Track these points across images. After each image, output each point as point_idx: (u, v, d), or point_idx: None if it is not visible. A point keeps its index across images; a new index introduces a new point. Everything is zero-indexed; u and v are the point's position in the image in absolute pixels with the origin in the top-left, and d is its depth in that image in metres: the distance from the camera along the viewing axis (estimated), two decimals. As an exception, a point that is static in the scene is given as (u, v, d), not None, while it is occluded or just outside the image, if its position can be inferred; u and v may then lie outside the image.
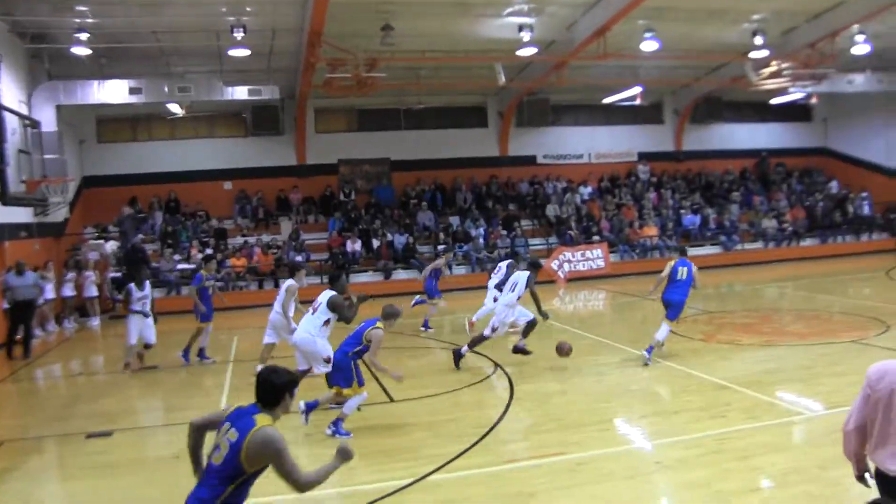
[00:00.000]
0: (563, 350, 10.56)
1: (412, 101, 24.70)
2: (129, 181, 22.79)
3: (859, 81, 25.00)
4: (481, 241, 22.92)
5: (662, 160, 28.67)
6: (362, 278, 21.16)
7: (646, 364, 10.18)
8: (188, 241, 21.32)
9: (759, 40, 20.32)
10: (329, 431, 7.68)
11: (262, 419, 3.62)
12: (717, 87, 26.31)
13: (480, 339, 10.89)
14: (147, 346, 11.83)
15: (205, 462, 3.78)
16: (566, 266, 21.71)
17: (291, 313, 10.29)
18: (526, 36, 18.79)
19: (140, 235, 20.97)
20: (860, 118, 29.24)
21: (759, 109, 29.62)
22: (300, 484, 3.61)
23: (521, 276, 10.93)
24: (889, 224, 27.03)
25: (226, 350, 13.38)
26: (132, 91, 18.32)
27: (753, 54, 21.37)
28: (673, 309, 10.42)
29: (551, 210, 25.03)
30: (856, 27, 20.37)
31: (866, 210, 27.55)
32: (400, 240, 22.31)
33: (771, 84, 23.31)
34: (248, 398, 3.78)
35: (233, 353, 13.27)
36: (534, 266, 11.31)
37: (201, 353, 12.29)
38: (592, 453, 6.79)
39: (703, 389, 9.05)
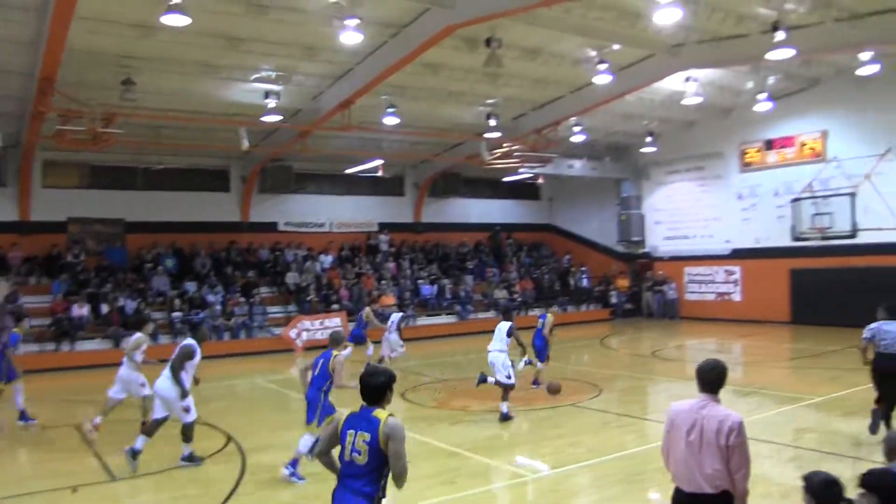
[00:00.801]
0: (552, 389, 12.54)
1: (152, 160, 24.86)
2: None
3: (578, 166, 30.24)
4: (218, 307, 23.74)
5: (402, 231, 31.54)
6: (88, 345, 21.05)
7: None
8: None
9: (492, 122, 23.23)
10: (286, 472, 8.90)
11: (380, 413, 4.64)
12: (454, 163, 29.58)
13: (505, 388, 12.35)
14: None
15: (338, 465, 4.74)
16: (304, 335, 23.38)
17: (139, 360, 11.30)
18: (272, 103, 19.96)
19: None
20: (579, 199, 34.99)
21: (493, 186, 34.01)
22: (404, 470, 4.61)
23: (503, 325, 13.09)
24: (602, 296, 32.89)
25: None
26: None
27: (487, 135, 24.46)
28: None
29: (291, 278, 26.46)
30: (573, 119, 24.83)
31: (585, 283, 33.17)
32: (131, 305, 22.48)
33: (503, 163, 26.83)
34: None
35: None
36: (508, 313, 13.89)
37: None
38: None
39: (434, 456, 9.92)
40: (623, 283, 32.22)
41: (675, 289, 30.64)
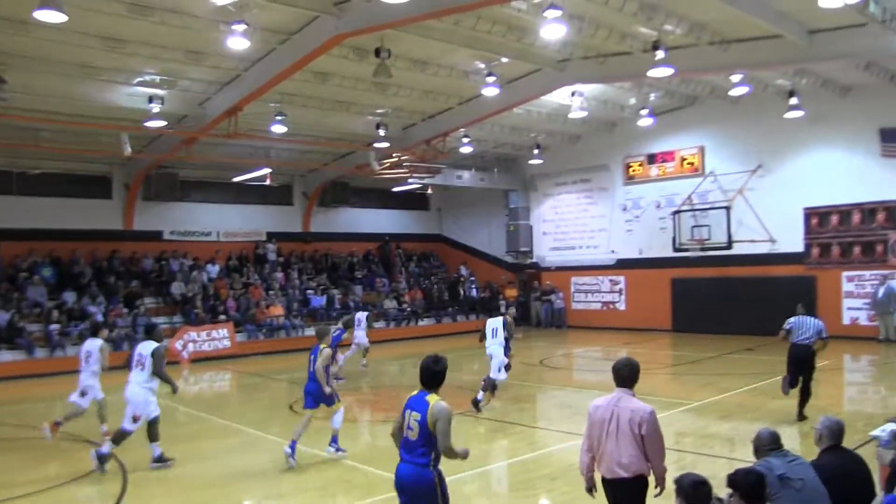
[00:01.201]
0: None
1: (28, 164, 23.95)
2: None
3: (466, 177, 30.59)
4: (99, 318, 22.35)
5: (291, 240, 31.13)
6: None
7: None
8: None
9: (382, 132, 23.29)
10: (331, 449, 10.34)
11: (432, 398, 5.56)
12: (344, 172, 29.44)
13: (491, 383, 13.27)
14: None
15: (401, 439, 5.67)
16: (190, 346, 22.85)
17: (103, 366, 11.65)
18: (156, 108, 19.38)
19: None
20: (469, 210, 35.42)
21: (382, 196, 34.00)
22: (450, 448, 5.54)
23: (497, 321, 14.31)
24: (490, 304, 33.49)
25: None
26: None
27: (377, 145, 24.49)
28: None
29: (176, 288, 25.75)
30: (462, 130, 25.09)
31: (474, 292, 33.89)
32: (3, 317, 21.37)
33: (392, 174, 26.95)
34: None
35: None
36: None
37: None
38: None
39: (324, 468, 9.99)
40: (511, 292, 32.72)
41: (563, 298, 31.31)
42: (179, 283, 26.24)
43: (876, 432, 6.95)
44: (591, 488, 5.85)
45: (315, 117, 23.25)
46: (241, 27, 14.30)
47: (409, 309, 30.35)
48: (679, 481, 4.82)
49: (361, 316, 19.91)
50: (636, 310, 28.80)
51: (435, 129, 25.18)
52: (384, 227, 34.91)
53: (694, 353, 21.54)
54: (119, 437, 9.94)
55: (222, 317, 25.21)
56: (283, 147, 26.75)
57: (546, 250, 32.64)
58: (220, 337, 23.99)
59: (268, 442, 11.64)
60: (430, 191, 33.35)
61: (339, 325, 18.20)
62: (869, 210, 22.75)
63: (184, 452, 10.77)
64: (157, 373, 9.99)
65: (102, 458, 9.70)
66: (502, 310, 20.85)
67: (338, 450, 10.39)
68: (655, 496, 5.55)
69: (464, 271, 34.42)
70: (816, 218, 23.86)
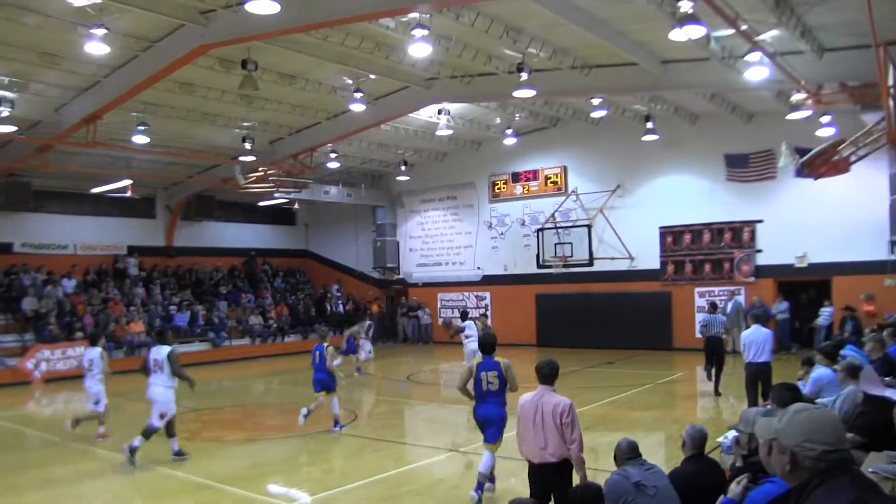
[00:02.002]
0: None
1: None
2: None
3: (334, 192, 30.39)
4: None
5: (153, 255, 30.01)
6: None
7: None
8: None
9: (248, 146, 22.72)
10: (337, 429, 12.82)
11: (499, 359, 8.68)
12: (209, 186, 28.71)
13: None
14: None
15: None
16: (43, 365, 21.63)
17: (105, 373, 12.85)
18: (5, 111, 18.17)
19: None
20: (336, 225, 35.13)
21: (248, 211, 33.31)
22: (516, 383, 8.58)
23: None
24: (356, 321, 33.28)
25: None
26: None
27: (243, 158, 23.93)
28: None
29: (28, 303, 24.27)
30: (329, 146, 24.99)
31: (341, 308, 33.64)
32: None
33: (258, 188, 26.51)
34: None
35: None
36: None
37: None
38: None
39: (186, 490, 9.61)
40: (378, 309, 32.66)
41: (429, 314, 31.48)
42: (32, 298, 24.66)
43: (720, 439, 7.31)
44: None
45: (179, 128, 22.58)
46: (100, 31, 13.58)
47: (275, 325, 29.76)
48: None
49: (365, 324, 22.27)
50: (501, 325, 29.14)
51: (302, 144, 24.93)
52: (250, 241, 34.14)
53: (557, 367, 22.04)
54: (148, 432, 10.96)
55: (79, 334, 23.74)
56: (146, 158, 25.75)
57: (413, 266, 32.78)
58: (76, 355, 22.34)
59: (127, 464, 10.99)
60: (296, 206, 32.99)
61: (358, 330, 21.32)
62: (717, 230, 24.11)
63: (32, 480, 10.16)
64: (175, 372, 11.05)
65: (133, 451, 10.77)
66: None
67: (341, 428, 13.02)
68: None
69: (335, 290, 33.93)
70: (671, 237, 25.06)
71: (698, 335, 23.97)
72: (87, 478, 10.55)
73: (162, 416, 10.96)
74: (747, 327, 13.23)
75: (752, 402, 12.55)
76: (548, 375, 6.78)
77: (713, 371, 16.12)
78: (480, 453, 11.07)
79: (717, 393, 15.96)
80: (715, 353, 16.13)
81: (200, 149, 25.33)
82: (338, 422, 13.02)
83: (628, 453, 5.70)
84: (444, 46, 16.69)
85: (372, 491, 9.32)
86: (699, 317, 24.34)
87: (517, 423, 6.74)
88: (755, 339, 12.51)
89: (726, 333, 16.62)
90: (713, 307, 17.55)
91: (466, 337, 18.46)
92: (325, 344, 13.15)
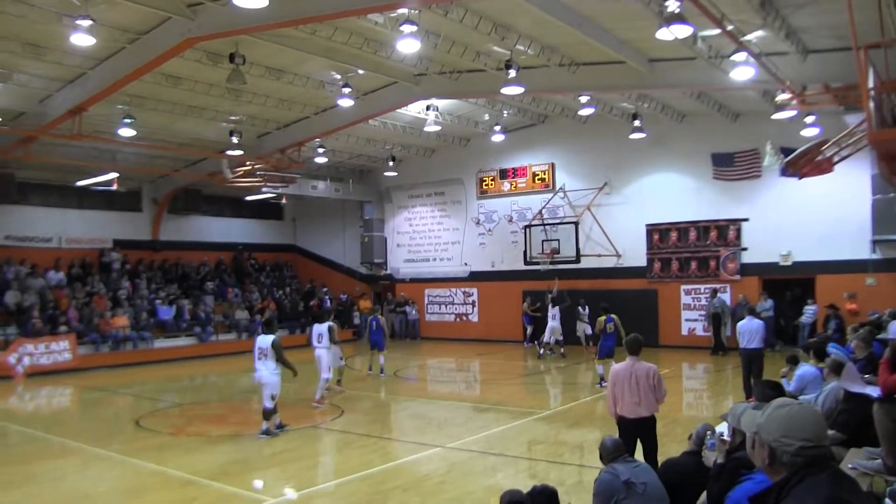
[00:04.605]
0: None
1: None
2: None
3: (321, 187, 30.29)
4: None
5: (139, 248, 29.82)
6: None
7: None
8: None
9: (235, 140, 22.64)
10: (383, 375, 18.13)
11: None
12: (196, 180, 28.52)
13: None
14: None
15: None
16: (26, 360, 21.34)
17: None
18: None
19: None
20: (323, 220, 35.07)
21: (235, 205, 33.18)
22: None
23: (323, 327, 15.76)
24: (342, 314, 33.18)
25: None
26: None
27: (230, 152, 23.90)
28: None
29: (11, 297, 24.01)
30: (317, 140, 24.88)
31: (327, 304, 33.57)
32: None
33: (245, 182, 26.28)
34: None
35: None
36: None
37: None
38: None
39: (170, 486, 9.52)
40: (365, 304, 32.58)
41: (417, 310, 31.50)
42: (15, 291, 24.40)
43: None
44: (619, 424, 8.14)
45: (166, 121, 22.44)
46: (86, 23, 13.47)
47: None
48: (501, 498, 5.14)
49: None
50: (489, 321, 29.39)
51: (290, 139, 24.84)
52: (237, 236, 34.02)
53: (545, 363, 22.16)
54: (267, 413, 12.14)
55: (63, 328, 23.63)
56: (132, 151, 25.55)
57: (400, 262, 32.78)
58: (59, 349, 22.44)
59: (110, 460, 11.03)
60: (284, 200, 32.84)
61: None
62: (703, 228, 24.22)
63: (14, 476, 10.06)
64: (280, 359, 12.02)
65: (266, 433, 12.09)
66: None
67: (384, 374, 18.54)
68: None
69: (323, 291, 33.77)
70: (658, 234, 25.16)
71: (686, 332, 24.37)
72: (70, 473, 10.47)
73: (273, 398, 12.04)
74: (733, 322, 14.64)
75: (746, 383, 14.18)
76: (635, 349, 8.30)
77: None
78: (466, 449, 11.18)
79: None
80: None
81: (187, 142, 25.19)
82: (383, 370, 19.20)
83: (614, 452, 5.76)
84: (432, 42, 16.70)
85: (358, 486, 9.33)
86: (685, 315, 24.54)
87: (610, 387, 8.26)
88: (749, 328, 13.96)
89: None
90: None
91: (552, 317, 22.84)
92: (380, 316, 18.58)
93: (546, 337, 23.14)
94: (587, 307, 23.15)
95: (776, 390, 5.87)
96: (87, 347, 23.78)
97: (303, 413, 12.89)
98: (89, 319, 24.58)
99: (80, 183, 26.29)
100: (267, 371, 12.07)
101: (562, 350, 23.17)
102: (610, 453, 5.76)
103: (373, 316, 20.14)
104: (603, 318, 16.83)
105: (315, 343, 15.81)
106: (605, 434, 6.22)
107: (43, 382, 20.54)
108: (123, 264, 28.86)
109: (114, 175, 25.19)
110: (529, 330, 26.07)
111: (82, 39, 13.98)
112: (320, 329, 15.90)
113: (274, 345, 12.01)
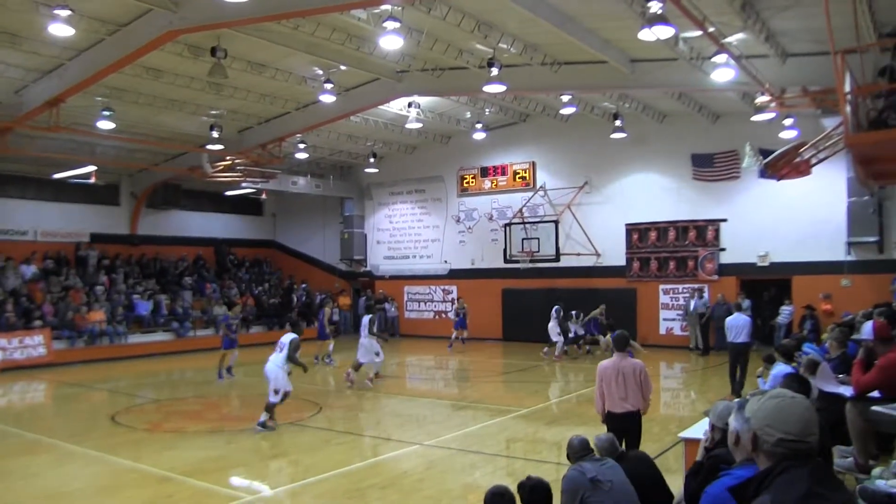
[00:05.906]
0: None
1: None
2: None
3: (301, 183, 30.20)
4: None
5: (116, 243, 29.56)
6: None
7: None
8: None
9: (215, 134, 22.48)
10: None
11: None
12: (175, 174, 28.26)
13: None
14: None
15: None
16: (0, 354, 21.16)
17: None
18: None
19: None
20: (303, 216, 35.02)
21: (215, 200, 32.92)
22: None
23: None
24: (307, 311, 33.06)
25: None
26: None
27: (210, 147, 23.77)
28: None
29: (-15, 291, 23.71)
30: (298, 136, 24.82)
31: (303, 299, 33.34)
32: None
33: (225, 177, 26.29)
34: None
35: None
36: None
37: None
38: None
39: (146, 483, 9.38)
40: (345, 301, 32.55)
41: (396, 307, 31.47)
42: (-12, 285, 24.16)
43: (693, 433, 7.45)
44: (604, 420, 8.39)
45: (146, 115, 22.29)
46: (64, 13, 13.38)
47: (240, 316, 29.49)
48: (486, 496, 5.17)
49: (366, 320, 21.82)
50: (468, 319, 29.38)
51: (271, 134, 24.75)
52: (216, 231, 33.80)
53: (523, 362, 22.25)
54: (269, 407, 12.42)
55: (37, 322, 23.27)
56: (110, 144, 25.24)
57: (380, 259, 32.74)
58: (34, 344, 22.21)
59: (85, 456, 10.91)
60: (264, 196, 32.76)
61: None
62: (682, 228, 24.38)
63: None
64: (290, 357, 12.53)
65: (263, 426, 12.32)
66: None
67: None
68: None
69: (302, 288, 33.64)
70: (637, 234, 25.29)
71: (664, 331, 24.54)
72: (44, 470, 10.26)
73: (276, 392, 12.34)
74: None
75: (732, 375, 14.90)
76: (623, 345, 8.50)
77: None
78: (445, 446, 11.20)
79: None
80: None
81: (167, 136, 25.02)
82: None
83: (581, 451, 5.86)
84: (415, 39, 16.74)
85: (336, 484, 9.32)
86: (663, 315, 24.69)
87: (597, 383, 8.41)
88: (736, 324, 14.70)
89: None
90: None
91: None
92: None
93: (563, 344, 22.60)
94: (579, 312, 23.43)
95: (803, 385, 5.86)
96: (62, 342, 23.49)
97: (281, 409, 12.81)
98: (64, 314, 24.30)
99: (57, 176, 26.06)
100: (273, 364, 12.54)
101: (587, 348, 23.47)
102: (577, 452, 5.86)
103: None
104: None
105: (361, 331, 17.80)
106: (584, 432, 6.25)
107: (16, 377, 20.28)
108: (100, 259, 28.56)
109: (92, 168, 24.92)
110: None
111: (61, 30, 13.89)
112: (364, 320, 17.90)
113: (291, 343, 12.60)
